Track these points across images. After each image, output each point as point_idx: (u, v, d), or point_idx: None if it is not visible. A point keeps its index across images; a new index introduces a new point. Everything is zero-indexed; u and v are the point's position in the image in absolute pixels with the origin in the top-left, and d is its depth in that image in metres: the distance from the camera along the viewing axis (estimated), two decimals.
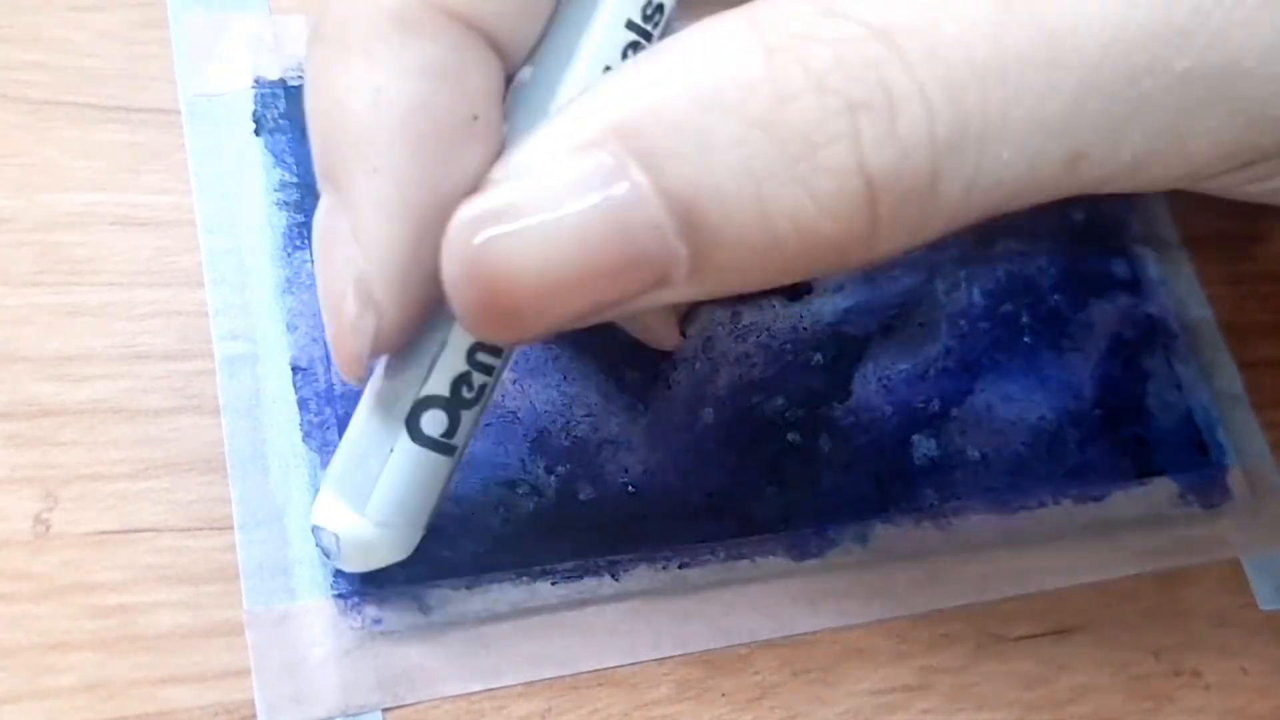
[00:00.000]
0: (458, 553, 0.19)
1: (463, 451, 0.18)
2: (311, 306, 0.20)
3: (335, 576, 0.19)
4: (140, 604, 0.18)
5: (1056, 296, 0.25)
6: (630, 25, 0.17)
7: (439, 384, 0.17)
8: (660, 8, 0.17)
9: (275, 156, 0.21)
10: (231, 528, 0.19)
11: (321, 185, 0.16)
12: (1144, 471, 0.24)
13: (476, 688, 0.19)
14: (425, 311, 0.16)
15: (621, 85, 0.15)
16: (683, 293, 0.15)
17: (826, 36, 0.14)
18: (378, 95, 0.15)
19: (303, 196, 0.21)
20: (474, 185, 0.15)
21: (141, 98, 0.21)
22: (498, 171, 0.15)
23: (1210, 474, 0.25)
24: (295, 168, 0.21)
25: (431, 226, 0.15)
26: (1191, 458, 0.25)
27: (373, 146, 0.15)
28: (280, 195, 0.21)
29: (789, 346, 0.23)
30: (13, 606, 0.17)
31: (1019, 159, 0.15)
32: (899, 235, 0.15)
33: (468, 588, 0.19)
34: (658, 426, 0.21)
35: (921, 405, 0.23)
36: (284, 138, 0.21)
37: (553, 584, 0.20)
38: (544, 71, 0.17)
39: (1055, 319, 0.25)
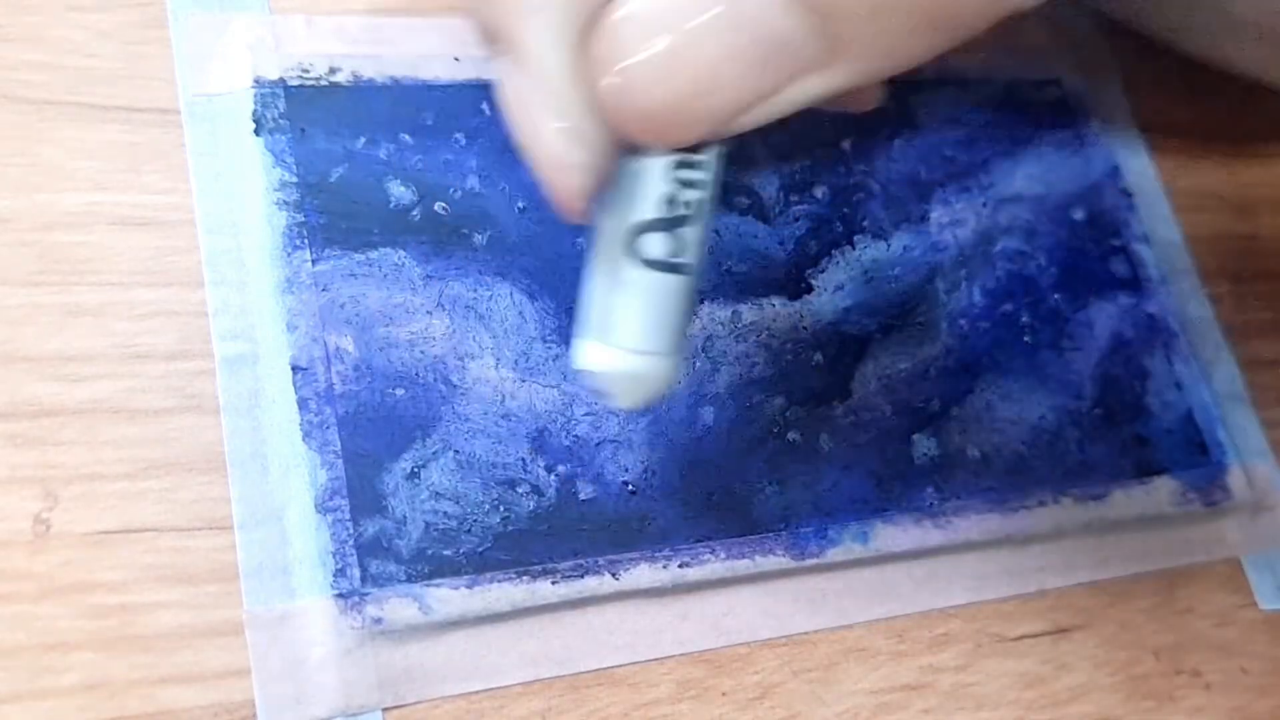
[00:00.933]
0: (458, 553, 0.19)
1: (697, 270, 0.18)
2: (311, 306, 0.20)
3: (335, 576, 0.19)
4: (140, 604, 0.18)
5: (1056, 296, 0.25)
6: None
7: (648, 207, 0.17)
8: None
9: (275, 156, 0.21)
10: (231, 527, 0.19)
11: (493, 51, 0.17)
12: (1144, 471, 0.24)
13: (476, 688, 0.19)
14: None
15: None
16: (831, 79, 0.15)
17: None
18: None
19: (303, 196, 0.21)
20: None
21: (141, 98, 0.21)
22: None
23: (1210, 473, 0.25)
24: (295, 168, 0.21)
25: None
26: (1192, 457, 0.25)
27: None
28: (280, 195, 0.21)
29: (789, 346, 0.23)
30: (13, 606, 0.18)
31: None
32: None
33: (468, 588, 0.19)
34: (658, 426, 0.21)
35: (921, 405, 0.23)
36: (284, 138, 0.21)
37: (553, 584, 0.20)
38: None
39: (1055, 319, 0.25)
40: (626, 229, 0.18)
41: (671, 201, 0.17)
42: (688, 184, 0.18)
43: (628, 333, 0.18)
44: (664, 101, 0.15)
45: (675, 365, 0.18)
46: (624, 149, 0.17)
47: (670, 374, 0.18)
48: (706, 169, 0.18)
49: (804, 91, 0.16)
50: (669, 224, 0.18)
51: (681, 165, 0.18)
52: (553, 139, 0.17)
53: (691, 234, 0.18)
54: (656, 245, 0.18)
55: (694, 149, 0.17)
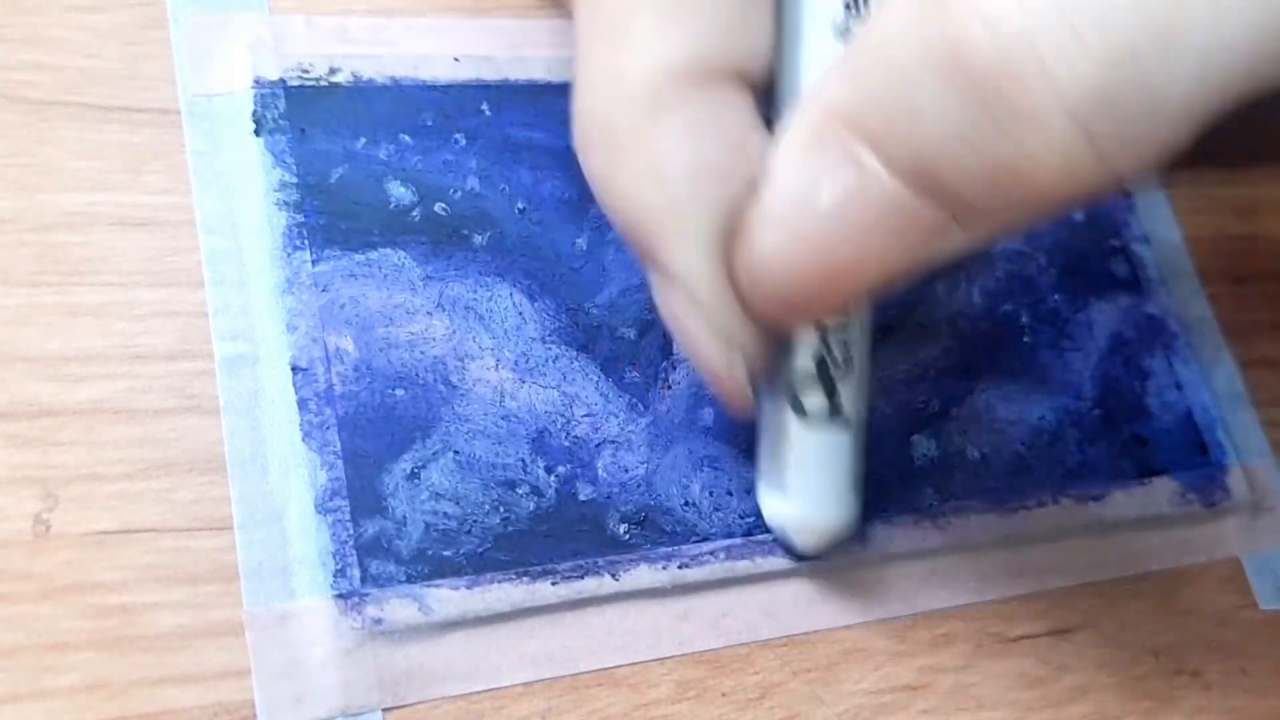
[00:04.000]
0: (458, 553, 0.19)
1: (860, 418, 0.19)
2: (311, 306, 0.20)
3: (335, 576, 0.19)
4: (140, 604, 0.18)
5: (1056, 296, 0.25)
6: (835, 28, 0.18)
7: (804, 366, 0.19)
8: None
9: (275, 156, 0.21)
10: (231, 528, 0.19)
11: (646, 267, 0.18)
12: (1144, 471, 0.24)
13: (476, 688, 0.19)
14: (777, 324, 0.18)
15: (836, 74, 0.16)
16: (967, 239, 0.16)
17: None
18: (658, 177, 0.17)
19: (303, 197, 0.21)
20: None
21: (141, 98, 0.21)
22: (760, 184, 0.17)
23: (1210, 473, 0.25)
24: (295, 168, 0.21)
25: None
26: (1192, 457, 0.25)
27: (670, 219, 0.17)
28: (280, 195, 0.21)
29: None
30: (13, 606, 0.18)
31: (1243, 29, 0.13)
32: (1138, 153, 0.14)
33: (468, 588, 0.19)
34: (658, 427, 0.21)
35: (921, 405, 0.23)
36: (284, 138, 0.21)
37: (553, 584, 0.20)
38: (785, 56, 0.18)
39: (1055, 319, 0.25)
40: (787, 387, 0.19)
41: (825, 359, 0.19)
42: (840, 340, 0.19)
43: (797, 485, 0.19)
44: (798, 287, 0.16)
45: (853, 514, 0.20)
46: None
47: (848, 522, 0.20)
48: (854, 324, 0.19)
49: (942, 252, 0.16)
50: (825, 379, 0.19)
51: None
52: (712, 351, 0.18)
53: (847, 387, 0.19)
54: (815, 400, 0.19)
55: None
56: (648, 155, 0.17)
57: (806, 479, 0.19)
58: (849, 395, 0.19)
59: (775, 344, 0.18)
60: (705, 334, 0.18)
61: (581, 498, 0.20)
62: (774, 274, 0.16)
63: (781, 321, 0.18)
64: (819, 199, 0.16)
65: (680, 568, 0.20)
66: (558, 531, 0.20)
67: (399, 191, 0.22)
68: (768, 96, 0.18)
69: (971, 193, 0.15)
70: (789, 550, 0.21)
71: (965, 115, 0.14)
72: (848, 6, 0.18)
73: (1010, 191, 0.14)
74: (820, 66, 0.18)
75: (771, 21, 0.18)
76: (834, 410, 0.19)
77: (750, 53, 0.18)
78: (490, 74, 0.23)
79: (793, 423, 0.19)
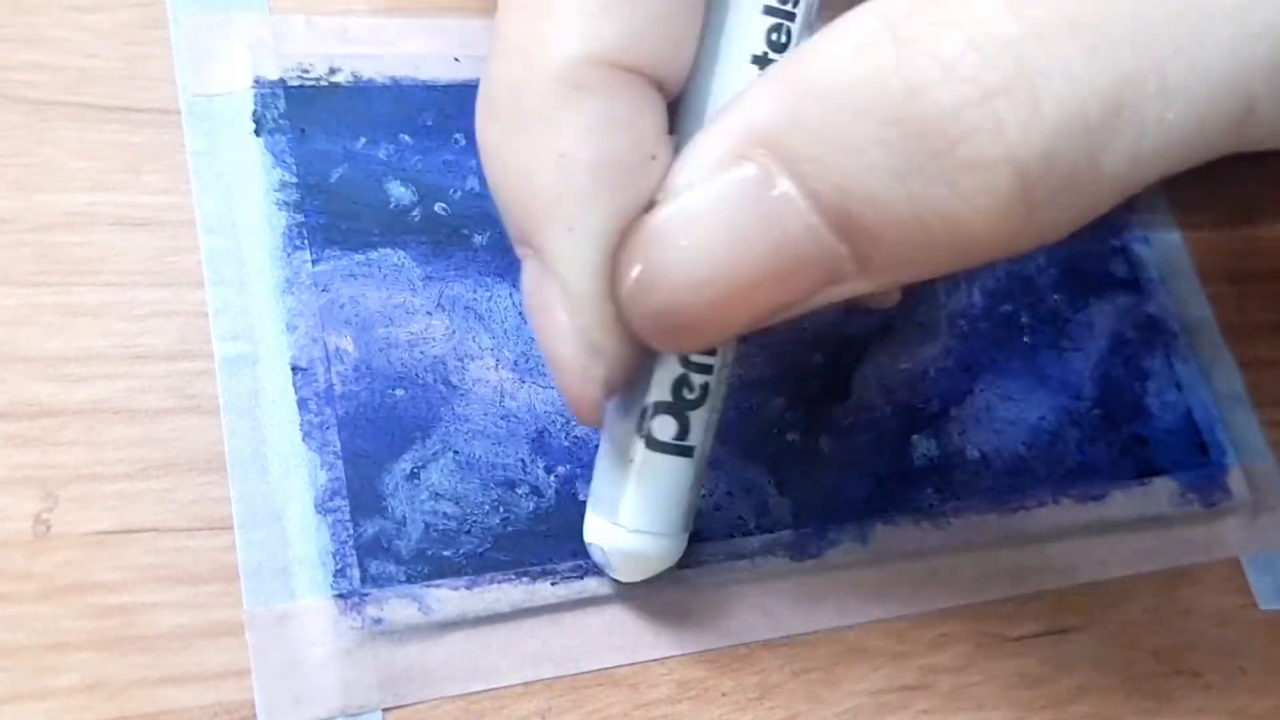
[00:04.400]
0: (457, 553, 0.19)
1: (705, 451, 0.19)
2: (311, 306, 0.20)
3: (335, 576, 0.19)
4: (140, 604, 0.18)
5: (1056, 296, 0.25)
6: (768, 10, 0.17)
7: (660, 391, 0.18)
8: None
9: (275, 156, 0.21)
10: (231, 528, 0.19)
11: (520, 251, 0.17)
12: (1144, 471, 0.24)
13: (476, 688, 0.19)
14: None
15: (763, 94, 0.15)
16: (857, 287, 0.15)
17: (956, 20, 0.13)
18: (562, 160, 0.16)
19: (302, 197, 0.21)
20: None
21: (141, 98, 0.21)
22: (659, 195, 0.16)
23: (1210, 473, 0.25)
24: (295, 168, 0.21)
25: None
26: (1192, 457, 0.25)
27: (565, 208, 0.16)
28: (280, 195, 0.21)
29: (789, 347, 0.23)
30: (13, 606, 0.18)
31: (1185, 118, 0.14)
32: (1064, 219, 0.14)
33: (468, 588, 0.19)
34: None
35: (921, 405, 0.23)
36: (284, 138, 0.21)
37: (552, 585, 0.20)
38: (698, 76, 0.17)
39: (1055, 319, 0.25)
40: (638, 410, 0.18)
41: (683, 386, 0.18)
42: (700, 369, 0.18)
43: (632, 513, 0.18)
44: (692, 306, 0.15)
45: (678, 545, 0.19)
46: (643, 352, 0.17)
47: (672, 553, 0.19)
48: (720, 356, 0.18)
49: (827, 298, 0.15)
50: (679, 408, 0.18)
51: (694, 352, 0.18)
52: (573, 352, 0.17)
53: (699, 418, 0.18)
54: (665, 428, 0.18)
55: None
56: (554, 135, 0.16)
57: (640, 507, 0.18)
58: (699, 428, 0.18)
59: (637, 363, 0.17)
60: (570, 334, 0.17)
61: (581, 498, 0.20)
62: (662, 291, 0.15)
63: (653, 345, 0.17)
64: (724, 219, 0.15)
65: (680, 568, 0.20)
66: (558, 531, 0.20)
67: (399, 191, 0.22)
68: (671, 111, 0.17)
69: (891, 234, 0.14)
70: (605, 571, 0.20)
71: (906, 157, 0.14)
72: (770, 41, 0.17)
73: (935, 237, 0.14)
74: (730, 91, 0.17)
75: (696, 35, 0.17)
76: (681, 440, 0.18)
77: (673, 59, 0.17)
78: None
79: (638, 447, 0.18)
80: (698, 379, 0.18)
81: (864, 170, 0.14)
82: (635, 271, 0.16)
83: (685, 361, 0.18)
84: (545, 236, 0.16)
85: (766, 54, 0.17)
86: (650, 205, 0.16)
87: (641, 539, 0.19)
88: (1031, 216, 0.14)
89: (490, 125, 0.17)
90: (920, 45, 0.14)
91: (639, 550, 0.19)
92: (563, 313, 0.16)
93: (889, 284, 0.15)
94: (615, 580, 0.20)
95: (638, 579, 0.20)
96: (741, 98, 0.15)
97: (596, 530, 0.19)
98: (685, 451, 0.18)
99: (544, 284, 0.17)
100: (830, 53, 0.14)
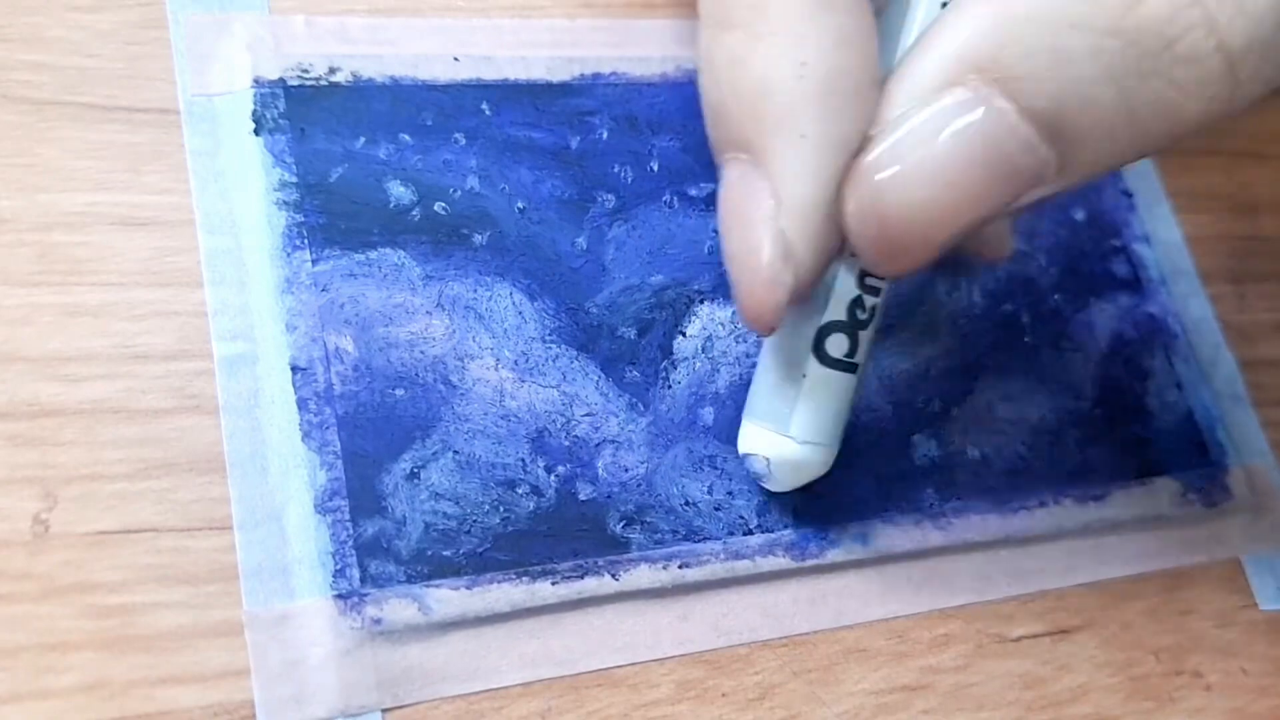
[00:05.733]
0: (457, 553, 0.19)
1: (864, 369, 0.20)
2: (311, 306, 0.20)
3: (335, 576, 0.19)
4: (140, 604, 0.18)
5: (1056, 296, 0.25)
6: None
7: (837, 310, 0.19)
8: None
9: (275, 156, 0.21)
10: (231, 528, 0.19)
11: (730, 154, 0.18)
12: (1144, 471, 0.24)
13: (476, 688, 0.19)
14: (831, 258, 0.18)
15: (968, 19, 0.16)
16: (1053, 188, 0.17)
17: None
18: (803, 69, 0.17)
19: (302, 196, 0.21)
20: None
21: (141, 98, 0.21)
22: (877, 123, 0.17)
23: (1211, 473, 0.25)
24: (295, 167, 0.21)
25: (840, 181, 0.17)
26: (1192, 457, 0.25)
27: (801, 116, 0.17)
28: (280, 195, 0.21)
29: None
30: (13, 606, 0.18)
31: None
32: (1259, 90, 0.16)
33: (468, 588, 0.19)
34: (658, 426, 0.21)
35: (922, 405, 0.23)
36: (284, 138, 0.21)
37: (553, 584, 0.20)
38: (892, 8, 0.19)
39: (1055, 319, 0.25)
40: (813, 327, 0.19)
41: (856, 307, 0.19)
42: (872, 290, 0.19)
43: (803, 425, 0.20)
44: (916, 222, 0.17)
45: (833, 456, 0.20)
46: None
47: (827, 464, 0.20)
48: (886, 285, 0.19)
49: (1023, 202, 0.17)
50: (850, 326, 0.19)
51: (868, 272, 0.19)
52: (768, 257, 0.17)
53: (866, 338, 0.19)
54: (837, 346, 0.19)
55: None
56: (797, 45, 0.17)
57: (810, 419, 0.19)
58: (864, 347, 0.19)
59: (820, 277, 0.18)
60: (770, 239, 0.17)
61: (581, 497, 0.20)
62: (890, 212, 0.17)
63: (871, 262, 0.18)
64: (946, 142, 0.16)
65: (680, 568, 0.20)
66: (558, 531, 0.20)
67: (399, 191, 0.22)
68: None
69: (1098, 133, 0.16)
70: (758, 480, 0.21)
71: (1124, 61, 0.15)
72: None
73: (1146, 128, 0.16)
74: (925, 15, 0.18)
75: None
76: (850, 358, 0.19)
77: None
78: (490, 74, 0.23)
79: (811, 363, 0.19)
80: (869, 300, 0.19)
81: (1080, 79, 0.16)
82: (864, 193, 0.17)
83: (861, 283, 0.19)
84: (773, 140, 0.17)
85: None
86: (873, 130, 0.17)
87: (809, 449, 0.20)
88: (1235, 92, 0.16)
89: (724, 34, 0.18)
90: None
91: (805, 460, 0.20)
92: (767, 217, 0.17)
93: (1080, 182, 0.17)
94: (615, 580, 0.20)
95: (790, 489, 0.21)
96: (944, 25, 0.17)
97: (760, 441, 0.20)
98: (851, 368, 0.19)
99: (753, 188, 0.17)
100: None
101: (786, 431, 0.20)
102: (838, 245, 0.18)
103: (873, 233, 0.17)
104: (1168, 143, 0.17)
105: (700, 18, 0.18)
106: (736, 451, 0.21)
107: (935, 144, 0.16)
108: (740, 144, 0.18)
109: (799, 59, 0.17)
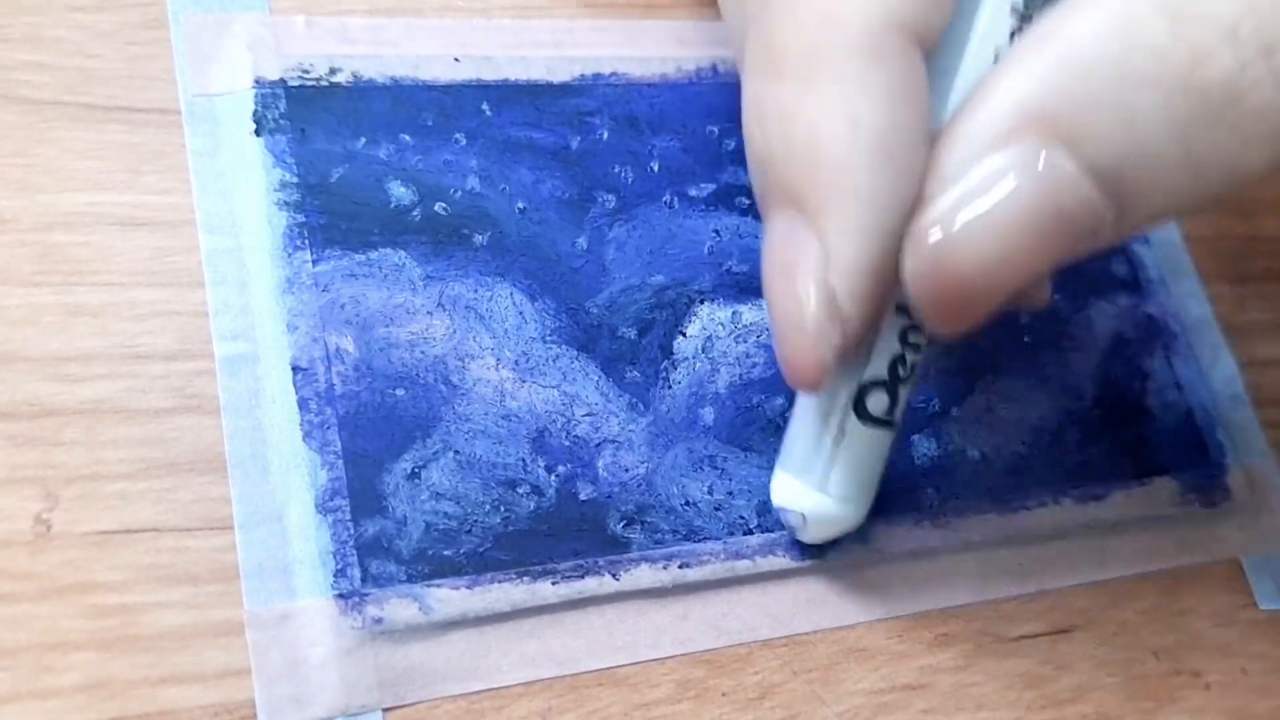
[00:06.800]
0: (458, 552, 0.19)
1: (900, 425, 0.20)
2: (311, 306, 0.20)
3: (336, 576, 0.19)
4: (140, 604, 0.18)
5: (1056, 296, 0.25)
6: (1014, 10, 0.18)
7: (879, 368, 0.19)
8: None
9: (275, 156, 0.21)
10: (231, 528, 0.19)
11: (778, 208, 0.17)
12: (1144, 471, 0.24)
13: (476, 688, 0.19)
14: (878, 316, 0.18)
15: (1026, 72, 0.16)
16: (1104, 241, 0.16)
17: None
18: (856, 124, 0.16)
19: (303, 197, 0.21)
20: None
21: (141, 98, 0.21)
22: (933, 179, 0.16)
23: (1210, 474, 0.25)
24: (295, 168, 0.21)
25: (897, 239, 0.17)
26: (1192, 457, 0.25)
27: (853, 172, 0.17)
28: (280, 195, 0.21)
29: None
30: (13, 606, 0.18)
31: None
32: None
33: (468, 588, 0.19)
34: (658, 426, 0.21)
35: (921, 405, 0.23)
36: (284, 138, 0.21)
37: (553, 584, 0.20)
38: (941, 58, 0.18)
39: (1055, 319, 0.25)
40: (854, 384, 0.19)
41: (898, 364, 0.19)
42: (914, 347, 0.19)
43: (840, 482, 0.20)
44: (975, 282, 0.16)
45: (867, 508, 0.20)
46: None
47: (862, 517, 0.20)
48: (925, 340, 0.19)
49: (1075, 255, 0.17)
50: (891, 384, 0.19)
51: (911, 329, 0.19)
52: (815, 316, 0.17)
53: (904, 394, 0.19)
54: (878, 403, 0.19)
55: None
56: (848, 97, 0.16)
57: (848, 476, 0.20)
58: (901, 403, 0.19)
59: (865, 336, 0.18)
60: (817, 298, 0.17)
61: (582, 497, 0.20)
62: (952, 270, 0.16)
63: (932, 319, 0.17)
64: (1006, 198, 0.16)
65: (680, 568, 0.20)
66: (558, 531, 0.20)
67: (399, 191, 0.22)
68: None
69: (1160, 188, 0.16)
70: (792, 532, 0.21)
71: (1190, 117, 0.15)
72: (1016, 17, 0.18)
73: (1208, 181, 0.16)
74: (990, 42, 0.18)
75: (951, 6, 0.18)
76: (889, 415, 0.19)
77: (940, 28, 0.17)
78: (490, 74, 0.23)
79: (851, 420, 0.19)
80: (910, 357, 0.19)
81: (1145, 135, 0.15)
82: (923, 254, 0.16)
83: (904, 341, 0.19)
84: (824, 197, 0.17)
85: (1027, 7, 0.18)
86: (930, 186, 0.16)
87: (843, 506, 0.20)
88: None
89: (774, 86, 0.17)
90: (1195, 16, 0.15)
91: (841, 516, 0.20)
92: (815, 273, 0.17)
93: (1135, 233, 0.17)
94: (615, 580, 0.20)
95: (822, 541, 0.21)
96: (1000, 76, 0.16)
97: (795, 496, 0.20)
98: (889, 425, 0.19)
99: (801, 243, 0.17)
100: (1091, 30, 0.15)
101: (823, 489, 0.20)
102: (884, 304, 0.18)
103: (932, 294, 0.17)
104: (1228, 193, 0.16)
105: (745, 66, 0.18)
106: (739, 454, 0.21)
107: (994, 202, 0.16)
108: (789, 197, 0.17)
109: (851, 114, 0.16)
